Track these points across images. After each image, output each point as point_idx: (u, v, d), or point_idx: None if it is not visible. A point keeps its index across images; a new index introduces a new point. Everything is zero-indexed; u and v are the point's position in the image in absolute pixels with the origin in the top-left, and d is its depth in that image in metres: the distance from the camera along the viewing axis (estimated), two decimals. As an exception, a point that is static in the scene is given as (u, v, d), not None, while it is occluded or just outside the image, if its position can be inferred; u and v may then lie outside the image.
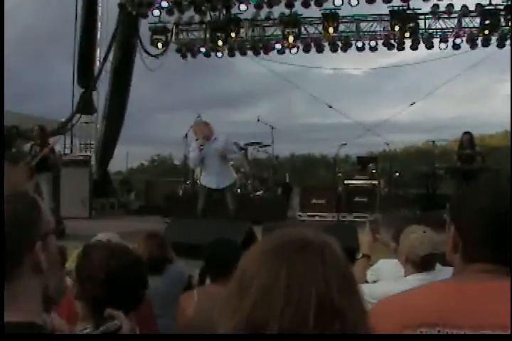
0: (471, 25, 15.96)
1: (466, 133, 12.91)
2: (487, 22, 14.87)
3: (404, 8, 15.16)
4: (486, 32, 15.18)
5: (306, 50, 17.32)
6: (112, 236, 3.84)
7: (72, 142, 16.89)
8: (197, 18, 16.93)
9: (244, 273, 1.20)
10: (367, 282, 4.45)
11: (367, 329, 1.20)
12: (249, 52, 17.92)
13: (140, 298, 2.54)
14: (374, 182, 13.75)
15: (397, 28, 15.19)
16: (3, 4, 10.92)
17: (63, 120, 15.77)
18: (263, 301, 1.14)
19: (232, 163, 9.74)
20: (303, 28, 16.62)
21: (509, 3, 14.51)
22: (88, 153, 16.74)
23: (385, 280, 3.93)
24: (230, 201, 9.29)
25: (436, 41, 16.44)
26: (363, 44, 17.01)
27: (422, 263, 3.52)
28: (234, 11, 16.05)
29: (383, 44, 16.82)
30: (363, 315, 1.20)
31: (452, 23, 16.19)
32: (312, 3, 15.29)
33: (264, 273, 1.16)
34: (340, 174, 14.64)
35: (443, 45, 16.40)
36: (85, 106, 16.01)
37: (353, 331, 1.16)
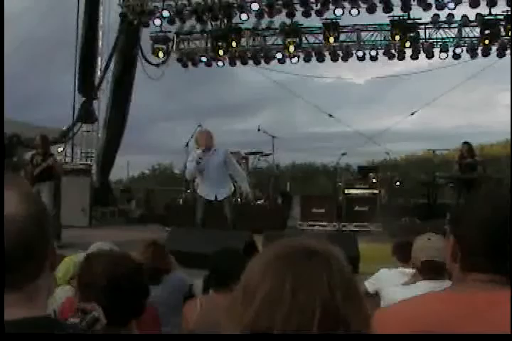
0: (472, 35, 16.03)
1: (465, 143, 12.93)
2: (487, 32, 14.91)
3: (405, 17, 15.19)
4: (486, 42, 15.21)
5: (307, 59, 17.37)
6: (108, 246, 3.83)
7: (73, 151, 16.92)
8: (198, 27, 16.98)
9: (249, 281, 1.21)
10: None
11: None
12: (250, 62, 17.97)
13: (142, 306, 2.54)
14: (374, 191, 13.76)
15: (397, 37, 15.23)
16: (3, 4, 10.98)
17: (64, 129, 15.82)
18: (268, 308, 1.15)
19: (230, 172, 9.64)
20: (304, 38, 16.68)
21: (509, 13, 14.57)
22: (89, 162, 16.76)
23: (397, 286, 3.93)
24: (229, 211, 9.23)
25: (436, 51, 16.48)
26: (364, 53, 17.05)
27: (423, 270, 3.54)
28: (235, 20, 16.10)
29: (384, 53, 16.87)
30: (366, 324, 1.21)
31: (452, 32, 16.26)
32: (313, 12, 15.38)
33: (269, 281, 1.18)
34: (340, 183, 14.65)
35: (443, 55, 16.44)
36: (86, 115, 16.04)
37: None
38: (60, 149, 15.58)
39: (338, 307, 1.16)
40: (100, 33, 16.57)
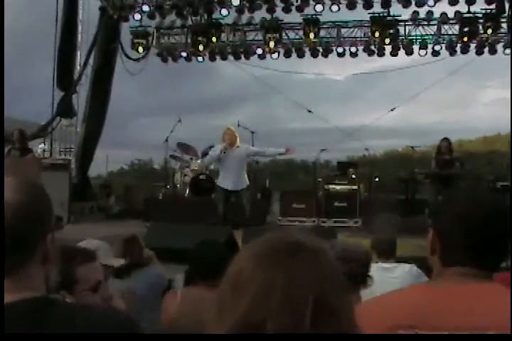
0: (450, 33, 16.14)
1: (444, 139, 13.00)
2: (466, 29, 15.03)
3: (385, 14, 15.28)
4: (465, 39, 15.34)
5: (287, 55, 17.37)
6: (98, 243, 3.78)
7: (51, 145, 16.78)
8: (178, 22, 16.90)
9: (239, 275, 1.22)
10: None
11: (358, 330, 1.23)
12: (230, 57, 17.94)
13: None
14: (354, 187, 13.79)
15: (377, 34, 15.30)
16: (3, 4, 10.87)
17: (43, 123, 15.68)
18: (261, 301, 1.16)
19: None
20: (284, 34, 16.68)
21: (487, 11, 14.71)
22: (68, 157, 16.64)
23: None
24: (246, 204, 10.49)
25: (416, 48, 16.58)
26: (344, 50, 17.09)
27: None
28: (215, 15, 16.05)
29: (364, 50, 16.91)
30: (354, 316, 1.24)
31: (432, 30, 16.35)
32: (293, 8, 15.38)
33: (261, 274, 1.19)
34: (320, 179, 14.67)
35: (422, 52, 16.54)
36: (65, 109, 15.91)
37: (347, 331, 1.19)
38: (41, 145, 15.45)
39: (329, 298, 1.18)
40: (79, 28, 16.43)
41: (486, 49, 16.15)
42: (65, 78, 15.78)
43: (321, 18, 15.81)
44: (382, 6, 15.03)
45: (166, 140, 14.17)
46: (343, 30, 16.93)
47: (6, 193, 1.33)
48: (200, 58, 17.80)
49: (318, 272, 1.20)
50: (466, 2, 14.71)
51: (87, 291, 2.56)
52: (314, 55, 17.19)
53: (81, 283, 2.59)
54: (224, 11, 15.74)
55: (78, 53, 16.48)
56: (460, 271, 1.73)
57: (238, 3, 15.32)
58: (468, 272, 1.72)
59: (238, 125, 14.16)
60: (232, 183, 10.30)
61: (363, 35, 16.72)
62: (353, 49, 17.02)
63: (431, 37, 16.44)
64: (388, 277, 4.56)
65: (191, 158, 14.94)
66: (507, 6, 14.78)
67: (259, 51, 17.34)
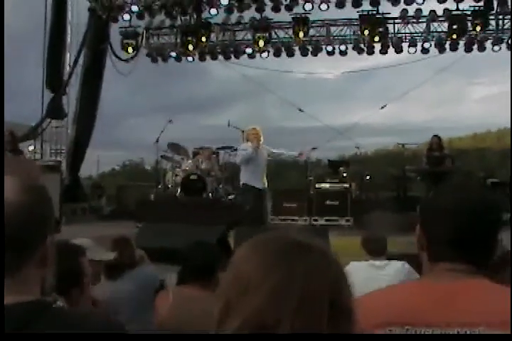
0: (439, 30, 16.18)
1: (434, 136, 13.09)
2: (455, 27, 15.08)
3: (374, 12, 15.31)
4: (454, 36, 15.39)
5: (277, 54, 17.36)
6: (87, 242, 3.79)
7: (42, 147, 16.73)
8: (167, 22, 16.89)
9: (248, 275, 1.20)
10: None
11: (359, 328, 1.25)
12: (220, 57, 17.93)
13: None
14: (345, 185, 13.81)
15: (366, 32, 15.33)
16: (3, 4, 10.83)
17: (33, 125, 15.63)
18: (276, 301, 1.15)
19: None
20: (273, 33, 16.69)
21: (475, 8, 14.77)
22: (59, 158, 16.58)
23: None
24: (269, 199, 11.30)
25: (405, 45, 16.60)
26: (333, 48, 17.09)
27: None
28: (204, 15, 16.07)
29: (353, 48, 16.93)
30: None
31: (421, 27, 16.39)
32: (282, 7, 15.39)
33: (276, 274, 1.18)
34: (311, 177, 14.68)
35: (412, 50, 16.57)
36: (55, 111, 15.86)
37: (354, 329, 1.20)
38: (31, 148, 15.41)
39: (341, 298, 1.20)
40: (68, 29, 16.38)
41: (475, 46, 16.20)
42: (54, 79, 15.73)
43: (311, 17, 15.85)
44: (371, 4, 15.06)
45: (157, 140, 14.16)
46: (332, 29, 16.96)
47: (10, 193, 1.31)
48: (189, 58, 17.79)
49: (329, 272, 1.21)
50: (454, 0, 14.77)
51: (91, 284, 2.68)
52: (304, 53, 17.19)
53: (86, 275, 2.73)
54: (213, 11, 15.75)
55: (68, 54, 16.42)
56: (448, 266, 1.73)
57: (227, 2, 15.34)
58: (456, 268, 1.73)
59: (228, 125, 14.15)
60: (262, 182, 10.65)
61: (352, 33, 16.74)
62: (343, 47, 17.01)
63: (420, 34, 16.49)
64: (379, 275, 4.57)
65: (182, 158, 14.90)
66: (495, 3, 14.88)
67: (249, 50, 17.34)
